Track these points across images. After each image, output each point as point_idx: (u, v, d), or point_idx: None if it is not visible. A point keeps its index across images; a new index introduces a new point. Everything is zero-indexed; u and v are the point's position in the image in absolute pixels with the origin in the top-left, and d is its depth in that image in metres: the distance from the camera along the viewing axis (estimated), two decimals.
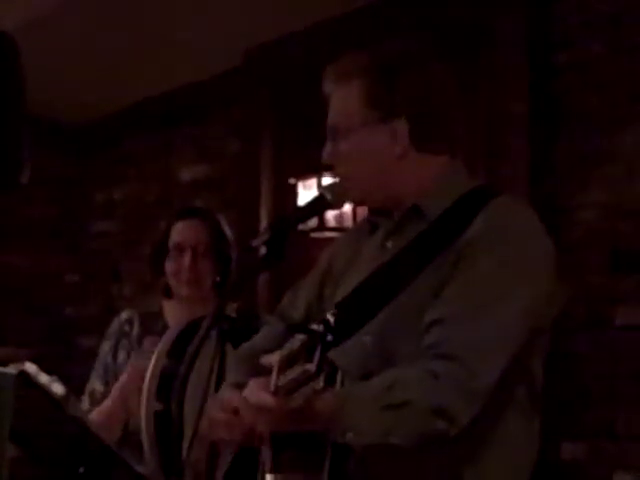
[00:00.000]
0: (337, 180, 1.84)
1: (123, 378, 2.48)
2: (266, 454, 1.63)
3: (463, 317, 1.61)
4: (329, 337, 1.42)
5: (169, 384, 2.30)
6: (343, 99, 1.78)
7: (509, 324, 1.62)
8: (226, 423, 1.63)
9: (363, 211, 1.98)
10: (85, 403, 2.55)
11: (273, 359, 1.47)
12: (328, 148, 1.81)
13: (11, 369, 1.63)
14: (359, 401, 1.56)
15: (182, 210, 2.66)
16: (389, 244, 1.78)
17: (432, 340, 1.61)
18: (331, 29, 3.83)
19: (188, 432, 2.16)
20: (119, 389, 2.48)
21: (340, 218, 3.73)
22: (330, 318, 1.59)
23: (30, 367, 1.82)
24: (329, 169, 1.83)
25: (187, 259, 2.53)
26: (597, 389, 2.99)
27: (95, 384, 2.61)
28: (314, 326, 1.47)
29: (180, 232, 2.57)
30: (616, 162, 2.99)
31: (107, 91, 4.87)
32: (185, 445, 2.17)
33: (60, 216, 5.68)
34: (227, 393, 1.69)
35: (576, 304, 2.98)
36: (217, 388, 1.77)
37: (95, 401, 2.55)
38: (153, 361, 2.38)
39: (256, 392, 1.52)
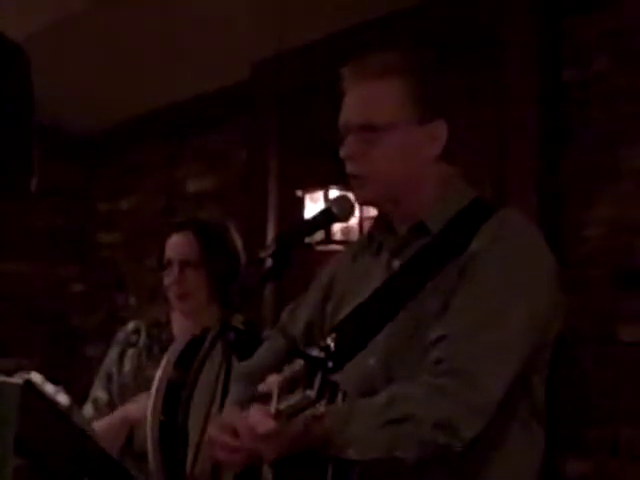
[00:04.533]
0: (354, 177, 1.77)
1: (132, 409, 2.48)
2: (267, 473, 1.63)
3: (467, 333, 1.60)
4: (330, 364, 1.42)
5: (176, 395, 2.30)
6: (379, 94, 1.72)
7: (513, 339, 1.61)
8: (226, 446, 1.61)
9: (369, 225, 1.96)
10: (88, 411, 2.55)
11: (272, 383, 1.47)
12: (351, 142, 1.74)
13: (17, 379, 1.63)
14: (362, 416, 1.55)
15: (177, 223, 2.66)
16: (395, 264, 1.77)
17: (437, 356, 1.60)
18: (337, 43, 3.84)
19: (193, 443, 2.16)
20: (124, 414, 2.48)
21: (346, 231, 3.72)
22: (330, 344, 1.59)
23: (36, 377, 1.82)
24: (349, 161, 1.75)
25: (174, 273, 2.54)
26: (602, 406, 2.98)
27: (98, 392, 2.61)
28: (314, 352, 1.47)
29: (170, 246, 2.58)
30: (624, 178, 2.99)
31: (114, 102, 4.88)
32: (190, 457, 2.16)
33: (66, 226, 5.69)
34: (228, 414, 1.67)
35: (581, 320, 2.98)
36: (223, 399, 1.76)
37: (98, 409, 2.56)
38: (160, 372, 2.39)
39: (257, 417, 1.51)
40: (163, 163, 5.19)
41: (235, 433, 1.58)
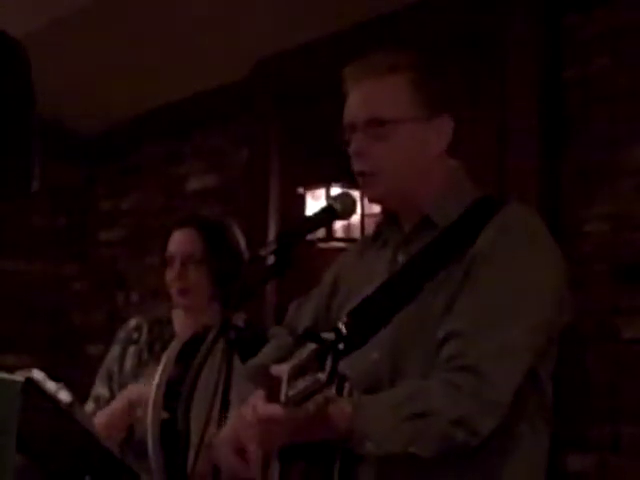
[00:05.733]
0: (362, 174, 1.77)
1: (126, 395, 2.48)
2: (274, 466, 1.63)
3: (480, 329, 1.60)
4: (340, 346, 1.41)
5: (176, 393, 2.30)
6: (385, 90, 1.74)
7: (521, 336, 1.62)
8: (234, 472, 1.62)
9: (371, 222, 1.96)
10: (90, 408, 2.56)
11: (283, 369, 1.46)
12: (359, 139, 1.75)
13: (18, 376, 1.63)
14: (380, 410, 1.56)
15: (180, 219, 2.66)
16: (400, 258, 1.77)
17: (449, 353, 1.61)
18: (338, 41, 3.84)
19: (194, 441, 2.17)
20: (122, 401, 2.48)
21: (348, 229, 3.72)
22: (342, 327, 1.58)
23: (37, 374, 1.82)
24: (357, 158, 1.75)
25: (176, 269, 2.54)
26: (603, 402, 2.98)
27: (100, 389, 2.61)
28: (325, 334, 1.46)
29: (173, 242, 2.58)
30: (624, 178, 2.99)
31: (115, 100, 4.88)
32: (191, 455, 2.17)
33: (67, 224, 5.69)
34: (233, 418, 1.68)
35: (583, 317, 2.98)
36: (224, 397, 1.76)
37: (100, 406, 2.56)
38: (160, 369, 2.39)
39: (265, 404, 1.51)
40: (164, 161, 5.19)
41: (241, 453, 1.58)
